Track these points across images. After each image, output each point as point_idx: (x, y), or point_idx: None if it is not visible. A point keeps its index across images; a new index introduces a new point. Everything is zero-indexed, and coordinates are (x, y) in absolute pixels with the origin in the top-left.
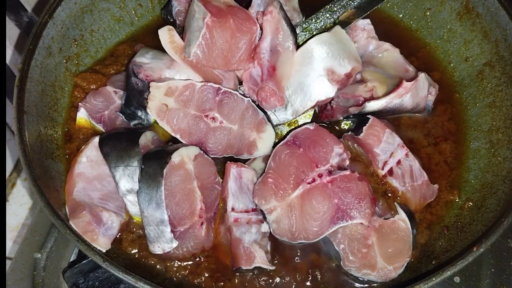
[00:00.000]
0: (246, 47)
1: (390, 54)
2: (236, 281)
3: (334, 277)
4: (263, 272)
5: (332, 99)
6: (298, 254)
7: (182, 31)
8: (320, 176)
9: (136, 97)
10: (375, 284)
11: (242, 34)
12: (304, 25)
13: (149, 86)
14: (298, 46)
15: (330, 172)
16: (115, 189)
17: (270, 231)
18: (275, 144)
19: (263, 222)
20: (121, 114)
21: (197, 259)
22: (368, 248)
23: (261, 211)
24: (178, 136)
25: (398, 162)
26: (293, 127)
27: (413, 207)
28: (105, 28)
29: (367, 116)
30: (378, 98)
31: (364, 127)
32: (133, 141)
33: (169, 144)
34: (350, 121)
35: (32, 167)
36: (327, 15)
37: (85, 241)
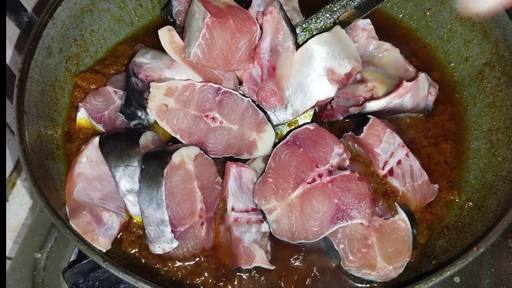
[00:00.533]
0: (246, 47)
1: (390, 54)
2: (236, 281)
3: (334, 277)
4: (263, 272)
5: (332, 99)
6: (298, 254)
7: (182, 31)
8: (320, 176)
9: (136, 97)
10: (375, 284)
11: (242, 34)
12: (304, 25)
13: (149, 86)
14: (298, 46)
15: (330, 172)
16: (115, 189)
17: (270, 231)
18: (275, 144)
19: (263, 222)
20: (121, 114)
21: (197, 259)
22: (368, 248)
23: (261, 211)
24: (178, 136)
25: (399, 162)
26: (293, 127)
27: (414, 207)
28: (105, 28)
29: (368, 116)
30: (378, 98)
31: (365, 127)
32: (133, 141)
33: (169, 144)
34: (350, 121)
35: (32, 167)
36: (327, 15)
37: (85, 241)
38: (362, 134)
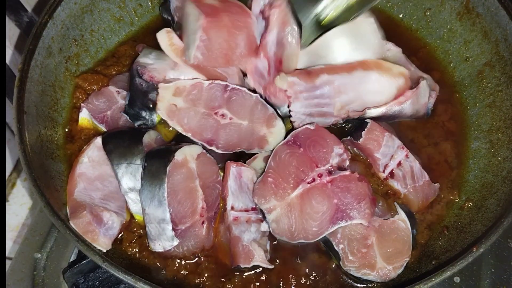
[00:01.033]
0: (245, 42)
1: (392, 53)
2: (236, 280)
3: (334, 277)
4: (262, 271)
5: None
6: (298, 253)
7: (180, 27)
8: (320, 176)
9: (140, 97)
10: (375, 284)
11: (239, 30)
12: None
13: (154, 87)
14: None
15: (330, 172)
16: (117, 189)
17: (270, 231)
18: None
19: (262, 221)
20: (125, 115)
21: (197, 258)
22: (368, 248)
23: (261, 210)
24: (189, 135)
25: (399, 164)
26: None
27: (416, 208)
28: (105, 28)
29: (365, 120)
30: (378, 106)
31: (363, 132)
32: (136, 140)
33: (172, 143)
34: (349, 124)
35: (32, 167)
36: None
37: (85, 241)
38: (361, 140)
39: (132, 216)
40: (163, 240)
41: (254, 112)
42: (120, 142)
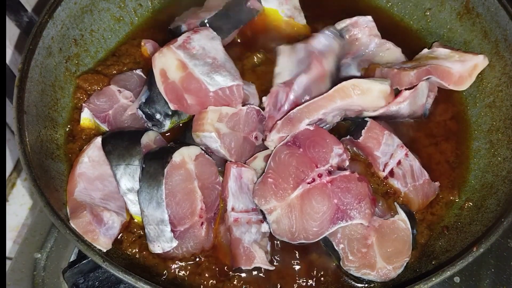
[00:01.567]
0: None
1: (391, 53)
2: (236, 281)
3: (334, 277)
4: (263, 272)
5: None
6: (298, 254)
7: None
8: (319, 176)
9: (160, 102)
10: (375, 284)
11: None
12: None
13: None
14: None
15: (330, 172)
16: (117, 189)
17: (270, 231)
18: None
19: (263, 222)
20: (140, 112)
21: (197, 259)
22: (368, 248)
23: (261, 211)
24: (233, 159)
25: (399, 163)
26: None
27: (416, 207)
28: (105, 28)
29: (365, 119)
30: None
31: (363, 131)
32: (135, 140)
33: (170, 144)
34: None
35: (32, 167)
36: None
37: (85, 241)
38: (360, 138)
39: (131, 217)
40: (162, 242)
41: None
42: (119, 143)
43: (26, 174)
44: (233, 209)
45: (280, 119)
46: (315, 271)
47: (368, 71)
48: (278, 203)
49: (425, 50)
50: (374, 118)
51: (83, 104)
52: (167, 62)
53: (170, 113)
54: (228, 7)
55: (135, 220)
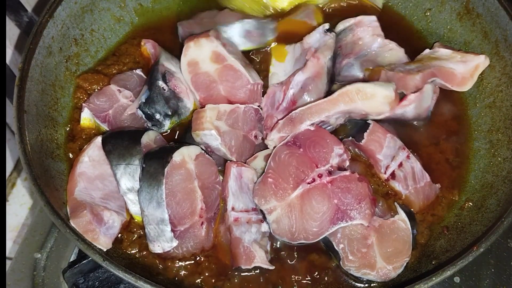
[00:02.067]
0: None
1: (394, 53)
2: (236, 280)
3: (334, 277)
4: (263, 272)
5: None
6: (298, 254)
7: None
8: (320, 176)
9: (160, 102)
10: (375, 284)
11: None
12: None
13: (175, 96)
14: None
15: (330, 173)
16: (117, 189)
17: (270, 231)
18: None
19: (263, 222)
20: (140, 112)
21: (197, 258)
22: (368, 248)
23: (261, 211)
24: (233, 158)
25: (400, 165)
26: None
27: (417, 209)
28: (105, 28)
29: (367, 121)
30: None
31: (365, 133)
32: (135, 140)
33: (170, 144)
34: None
35: (32, 166)
36: None
37: (85, 240)
38: (363, 141)
39: (131, 217)
40: (162, 241)
41: None
42: (119, 142)
43: (26, 174)
44: (233, 209)
45: (281, 118)
46: (315, 271)
47: (373, 74)
48: (278, 203)
49: (427, 51)
50: (377, 120)
51: (83, 104)
52: (202, 52)
53: (169, 113)
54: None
55: (135, 220)
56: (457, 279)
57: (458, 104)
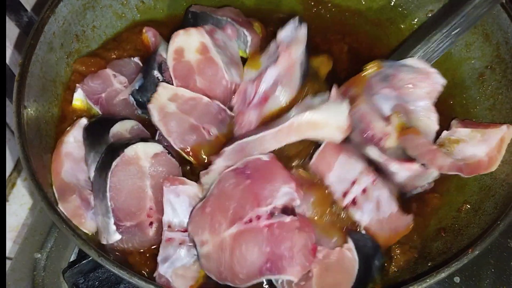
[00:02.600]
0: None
1: (428, 124)
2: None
3: None
4: None
5: None
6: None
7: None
8: (258, 218)
9: (153, 91)
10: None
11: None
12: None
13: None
14: None
15: (271, 215)
16: None
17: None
18: None
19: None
20: (132, 98)
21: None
22: (306, 281)
23: (193, 240)
24: (170, 139)
25: (364, 191)
26: None
27: (382, 242)
28: (107, 25)
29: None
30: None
31: (315, 154)
32: (107, 129)
33: (132, 138)
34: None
35: (31, 161)
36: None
37: (81, 236)
38: (311, 162)
39: None
40: (106, 234)
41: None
42: (94, 130)
43: (24, 168)
44: (169, 227)
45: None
46: None
47: (405, 133)
48: (211, 237)
49: (445, 133)
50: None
51: (77, 85)
52: (189, 41)
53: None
54: None
55: None
56: (457, 279)
57: (458, 107)
